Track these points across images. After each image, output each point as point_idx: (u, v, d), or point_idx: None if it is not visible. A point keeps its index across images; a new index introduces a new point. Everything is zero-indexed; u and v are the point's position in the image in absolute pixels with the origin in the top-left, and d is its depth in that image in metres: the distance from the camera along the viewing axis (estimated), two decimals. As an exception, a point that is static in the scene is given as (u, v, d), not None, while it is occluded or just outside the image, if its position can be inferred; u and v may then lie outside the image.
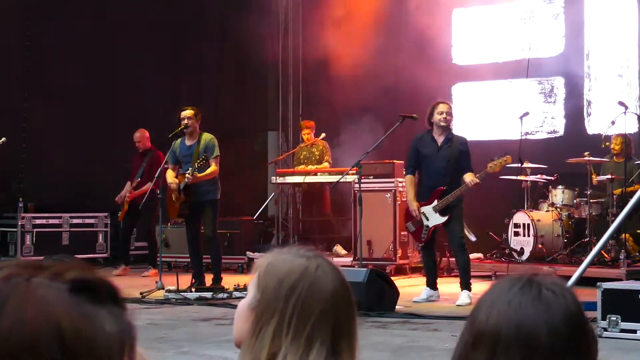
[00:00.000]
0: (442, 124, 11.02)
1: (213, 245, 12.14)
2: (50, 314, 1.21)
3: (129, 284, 13.21)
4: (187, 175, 11.83)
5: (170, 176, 12.11)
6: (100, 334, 1.23)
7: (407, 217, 11.54)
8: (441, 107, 11.06)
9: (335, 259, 14.62)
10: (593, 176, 13.43)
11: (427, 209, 11.09)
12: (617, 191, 13.19)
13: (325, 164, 15.39)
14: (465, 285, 10.92)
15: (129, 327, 1.28)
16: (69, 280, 1.26)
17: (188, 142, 12.12)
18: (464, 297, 10.80)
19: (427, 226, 11.11)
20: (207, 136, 12.11)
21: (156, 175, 12.46)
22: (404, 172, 11.61)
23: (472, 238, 13.43)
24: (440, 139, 11.06)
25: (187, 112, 12.07)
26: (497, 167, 10.94)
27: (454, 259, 13.49)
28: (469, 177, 10.81)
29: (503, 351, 1.64)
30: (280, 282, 2.19)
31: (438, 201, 10.98)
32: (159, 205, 12.87)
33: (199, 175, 11.83)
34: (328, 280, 2.20)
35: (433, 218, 11.07)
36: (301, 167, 15.57)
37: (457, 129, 15.05)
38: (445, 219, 11.00)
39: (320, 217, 16.01)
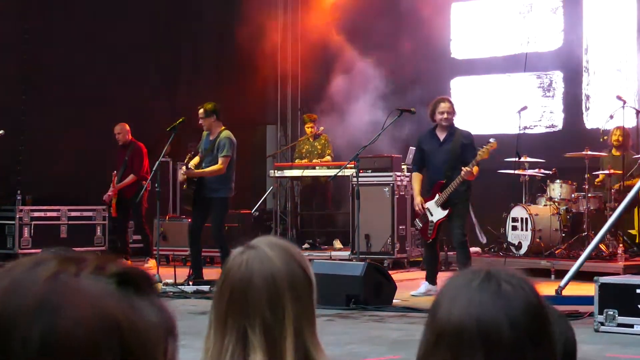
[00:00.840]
0: (444, 123, 11.00)
1: (219, 243, 12.06)
2: (106, 310, 1.19)
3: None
4: (183, 167, 11.92)
5: (191, 163, 12.20)
6: (150, 325, 1.23)
7: (416, 214, 11.55)
8: (442, 107, 11.02)
9: (333, 253, 14.67)
10: (596, 180, 13.45)
11: (431, 204, 11.08)
12: (616, 186, 13.20)
13: (328, 158, 15.42)
14: None
15: (170, 315, 1.29)
16: (113, 274, 1.24)
17: (211, 137, 12.17)
18: None
19: (432, 222, 11.10)
20: (223, 134, 12.08)
21: (154, 169, 12.46)
22: (412, 170, 11.61)
23: (483, 240, 13.47)
24: (442, 135, 11.05)
25: (199, 111, 12.14)
26: (485, 154, 10.86)
27: (452, 253, 13.53)
28: (464, 168, 10.79)
29: (467, 348, 1.64)
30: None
31: (439, 195, 10.98)
32: (145, 197, 13.16)
33: (195, 170, 11.86)
34: (249, 270, 2.27)
35: (436, 213, 11.06)
36: (304, 161, 15.57)
37: (456, 123, 15.08)
38: (446, 212, 10.97)
39: (322, 211, 16.02)
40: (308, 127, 15.82)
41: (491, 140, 11.03)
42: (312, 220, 16.58)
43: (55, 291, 1.19)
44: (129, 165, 14.69)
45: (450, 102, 11.18)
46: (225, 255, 11.94)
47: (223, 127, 12.14)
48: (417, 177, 11.34)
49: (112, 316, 1.19)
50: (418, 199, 11.19)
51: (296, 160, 15.80)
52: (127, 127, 14.86)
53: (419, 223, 11.37)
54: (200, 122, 12.17)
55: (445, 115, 10.97)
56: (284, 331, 2.23)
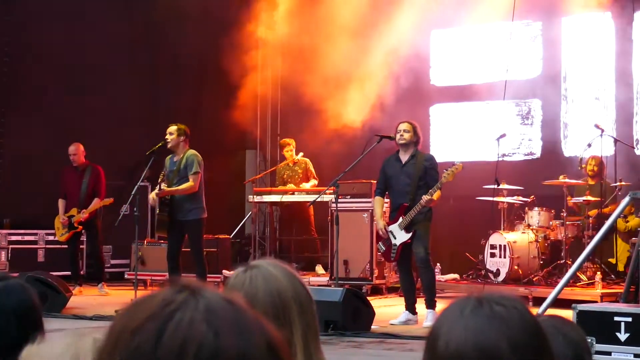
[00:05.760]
0: (401, 142, 11.03)
1: (200, 265, 12.04)
2: None
3: (105, 301, 13.16)
4: (155, 191, 11.87)
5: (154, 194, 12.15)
6: None
7: (379, 237, 11.53)
8: (400, 126, 11.08)
9: (314, 279, 14.64)
10: (568, 198, 13.49)
11: (394, 227, 11.07)
12: (593, 212, 13.26)
13: (314, 181, 15.39)
14: (430, 304, 10.83)
15: None
16: None
17: (175, 159, 12.16)
18: (431, 318, 10.67)
19: (395, 245, 11.07)
20: (189, 153, 12.11)
21: (132, 193, 12.38)
22: (375, 194, 11.59)
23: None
24: (404, 158, 11.07)
25: (170, 128, 12.13)
26: (450, 177, 10.85)
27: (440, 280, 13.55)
28: (425, 196, 10.77)
29: None
30: None
31: (403, 218, 10.96)
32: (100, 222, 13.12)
33: (167, 189, 11.82)
34: (253, 287, 2.32)
35: (399, 236, 11.04)
36: (289, 186, 15.51)
37: (435, 150, 15.15)
38: (409, 235, 10.95)
39: (301, 236, 16.01)
40: (287, 152, 15.81)
41: (456, 162, 11.05)
42: (291, 245, 16.56)
43: None
44: (91, 189, 14.24)
45: (410, 123, 11.14)
46: (202, 279, 11.93)
47: (188, 148, 12.16)
48: (379, 202, 11.34)
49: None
50: (381, 223, 11.18)
51: (279, 186, 15.75)
52: (82, 147, 14.39)
53: (382, 246, 11.37)
54: (166, 138, 12.08)
55: (401, 133, 11.00)
56: (294, 346, 2.25)
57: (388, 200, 11.62)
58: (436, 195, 10.76)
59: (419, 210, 10.80)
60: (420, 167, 10.95)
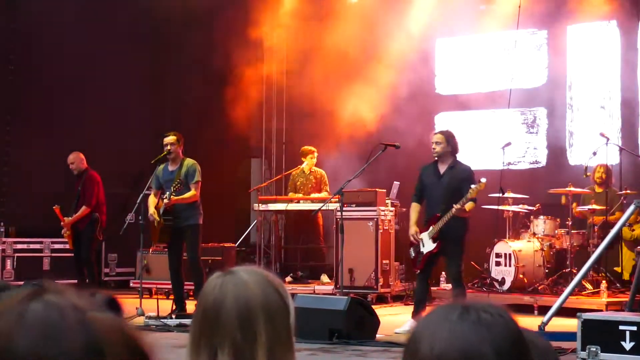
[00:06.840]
0: (434, 155, 11.04)
1: (196, 270, 12.10)
2: None
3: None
4: (164, 199, 11.87)
5: (152, 204, 12.11)
6: None
7: (410, 243, 11.50)
8: (433, 138, 11.13)
9: (318, 287, 14.63)
10: (573, 205, 13.45)
11: (424, 236, 11.07)
12: (598, 220, 13.24)
13: (325, 194, 15.28)
14: None
15: None
16: None
17: (171, 167, 12.17)
18: None
19: (422, 253, 11.08)
20: (188, 162, 12.14)
21: (137, 202, 12.40)
22: (412, 200, 11.55)
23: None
24: (443, 168, 11.06)
25: (169, 138, 12.13)
26: (474, 193, 10.86)
27: (435, 288, 13.53)
28: (455, 205, 10.76)
29: None
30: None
31: (433, 227, 10.97)
32: (98, 229, 13.00)
33: (176, 198, 11.84)
34: (222, 292, 2.36)
35: (427, 245, 11.03)
36: (291, 195, 15.51)
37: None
38: (435, 245, 10.93)
39: (306, 245, 15.99)
40: (311, 159, 15.64)
41: (482, 180, 11.01)
42: (297, 253, 16.54)
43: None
44: (82, 196, 14.00)
45: (442, 134, 11.16)
46: (200, 284, 11.92)
47: (183, 157, 12.20)
48: (415, 208, 11.33)
49: None
50: (413, 229, 11.17)
51: (290, 194, 15.71)
52: (82, 155, 14.16)
53: (412, 252, 11.34)
54: (169, 148, 12.09)
55: (433, 146, 11.02)
56: (255, 353, 2.26)
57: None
58: (468, 206, 10.74)
59: (447, 221, 10.79)
60: (456, 178, 10.93)
